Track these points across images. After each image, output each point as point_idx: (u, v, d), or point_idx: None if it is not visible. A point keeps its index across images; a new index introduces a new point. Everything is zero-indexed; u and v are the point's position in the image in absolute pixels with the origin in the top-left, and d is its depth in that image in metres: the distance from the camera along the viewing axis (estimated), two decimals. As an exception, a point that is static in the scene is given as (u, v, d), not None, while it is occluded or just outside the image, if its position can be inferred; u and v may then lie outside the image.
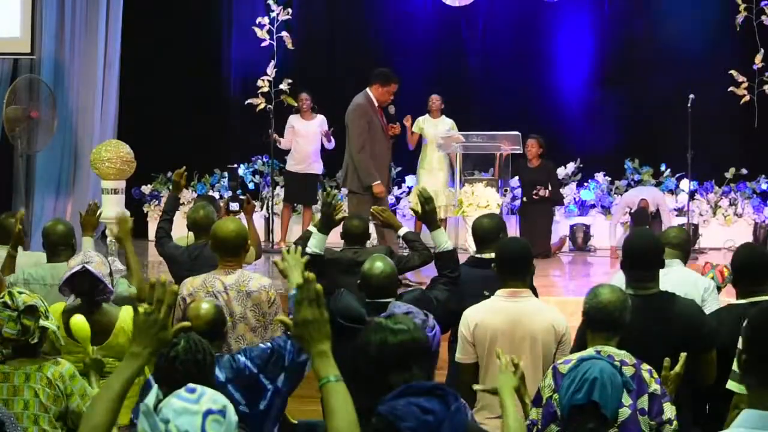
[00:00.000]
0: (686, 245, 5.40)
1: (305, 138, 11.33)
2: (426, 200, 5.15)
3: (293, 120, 11.48)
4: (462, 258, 5.47)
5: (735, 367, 3.92)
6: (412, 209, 5.37)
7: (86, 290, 4.74)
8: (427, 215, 5.16)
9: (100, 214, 6.22)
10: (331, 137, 11.24)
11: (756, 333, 2.39)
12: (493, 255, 5.12)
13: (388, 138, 8.79)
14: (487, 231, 5.54)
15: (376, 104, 8.64)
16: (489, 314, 4.70)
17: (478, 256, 5.55)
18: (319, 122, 11.35)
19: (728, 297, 5.53)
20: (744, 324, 2.46)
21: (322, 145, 11.42)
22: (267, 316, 5.06)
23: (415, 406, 2.40)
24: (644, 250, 4.43)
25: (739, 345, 2.45)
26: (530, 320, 4.64)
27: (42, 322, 3.89)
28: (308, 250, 5.10)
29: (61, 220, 5.97)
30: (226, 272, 5.10)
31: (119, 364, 4.56)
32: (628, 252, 4.48)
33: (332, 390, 2.55)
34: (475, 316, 4.71)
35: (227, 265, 5.12)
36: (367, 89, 8.68)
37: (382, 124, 8.69)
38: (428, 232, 5.33)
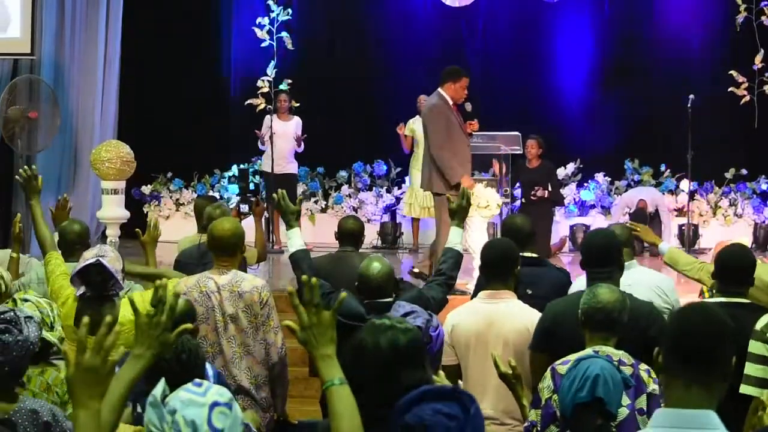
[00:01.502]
0: (632, 241, 5.39)
1: (281, 138, 11.21)
2: (464, 196, 5.14)
3: (272, 120, 11.42)
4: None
5: (747, 371, 3.90)
6: (448, 198, 5.34)
7: (98, 283, 4.74)
8: (460, 210, 5.13)
9: (71, 208, 6.19)
10: (302, 142, 11.21)
11: (685, 333, 2.38)
12: (534, 254, 5.23)
13: (466, 135, 8.59)
14: (521, 230, 5.50)
15: (451, 102, 8.50)
16: (466, 316, 4.70)
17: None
18: (295, 124, 11.30)
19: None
20: (671, 321, 2.46)
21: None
22: (259, 317, 5.05)
23: (440, 414, 2.39)
24: (603, 248, 4.43)
25: (662, 342, 2.46)
26: (503, 322, 4.60)
27: (44, 334, 3.84)
28: (292, 249, 5.08)
29: (76, 220, 5.97)
30: (221, 272, 5.09)
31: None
32: (585, 251, 4.48)
33: (336, 393, 2.56)
34: (454, 318, 4.72)
35: (222, 265, 5.11)
36: (439, 89, 8.45)
37: (459, 122, 8.54)
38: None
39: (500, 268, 4.69)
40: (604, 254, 4.41)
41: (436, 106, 8.38)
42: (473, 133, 8.60)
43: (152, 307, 2.71)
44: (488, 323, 4.61)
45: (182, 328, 2.81)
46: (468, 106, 8.64)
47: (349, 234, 5.98)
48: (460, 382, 4.14)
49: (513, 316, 4.63)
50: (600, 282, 4.11)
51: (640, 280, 4.98)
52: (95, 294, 4.74)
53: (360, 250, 5.99)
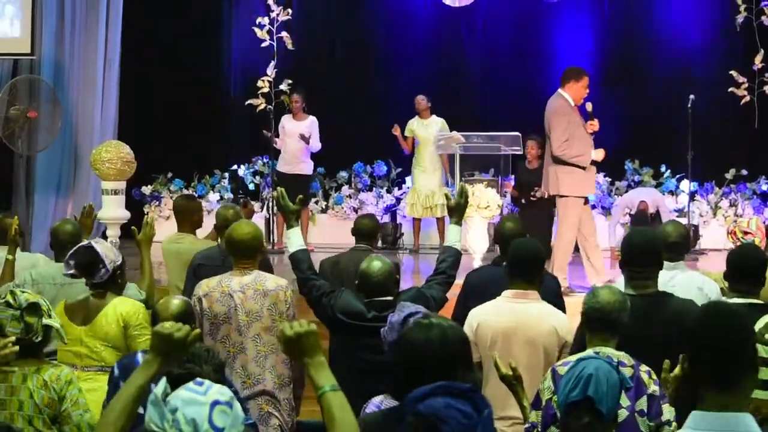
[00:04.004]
0: (687, 241, 5.37)
1: (293, 138, 11.26)
2: (462, 194, 5.11)
3: (284, 120, 11.43)
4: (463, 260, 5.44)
5: None
6: (446, 196, 5.33)
7: (85, 265, 4.77)
8: (458, 208, 5.11)
9: (96, 216, 6.26)
10: (309, 140, 11.15)
11: (705, 335, 2.40)
12: None
13: (589, 135, 8.55)
14: (511, 233, 5.51)
15: (572, 103, 8.49)
16: (492, 314, 4.69)
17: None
18: (309, 123, 11.29)
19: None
20: (697, 325, 2.47)
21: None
22: (284, 315, 5.06)
23: (453, 408, 2.40)
24: (643, 248, 4.41)
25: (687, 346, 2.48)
26: (532, 323, 4.61)
27: (45, 321, 3.91)
28: (292, 249, 5.09)
29: (68, 220, 6.01)
30: (243, 273, 5.13)
31: (107, 350, 4.69)
32: (626, 250, 4.46)
33: (331, 399, 2.60)
34: (479, 316, 4.71)
35: (243, 267, 5.14)
36: (560, 90, 8.47)
37: (581, 122, 8.49)
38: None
39: (529, 269, 4.69)
40: (648, 255, 4.40)
41: (559, 107, 8.41)
42: (593, 133, 8.62)
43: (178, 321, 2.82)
44: (516, 323, 4.61)
45: (195, 335, 2.85)
46: (588, 106, 8.67)
47: (365, 231, 6.21)
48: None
49: (543, 317, 4.64)
50: (641, 281, 4.21)
51: (683, 281, 4.99)
52: (83, 275, 4.78)
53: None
